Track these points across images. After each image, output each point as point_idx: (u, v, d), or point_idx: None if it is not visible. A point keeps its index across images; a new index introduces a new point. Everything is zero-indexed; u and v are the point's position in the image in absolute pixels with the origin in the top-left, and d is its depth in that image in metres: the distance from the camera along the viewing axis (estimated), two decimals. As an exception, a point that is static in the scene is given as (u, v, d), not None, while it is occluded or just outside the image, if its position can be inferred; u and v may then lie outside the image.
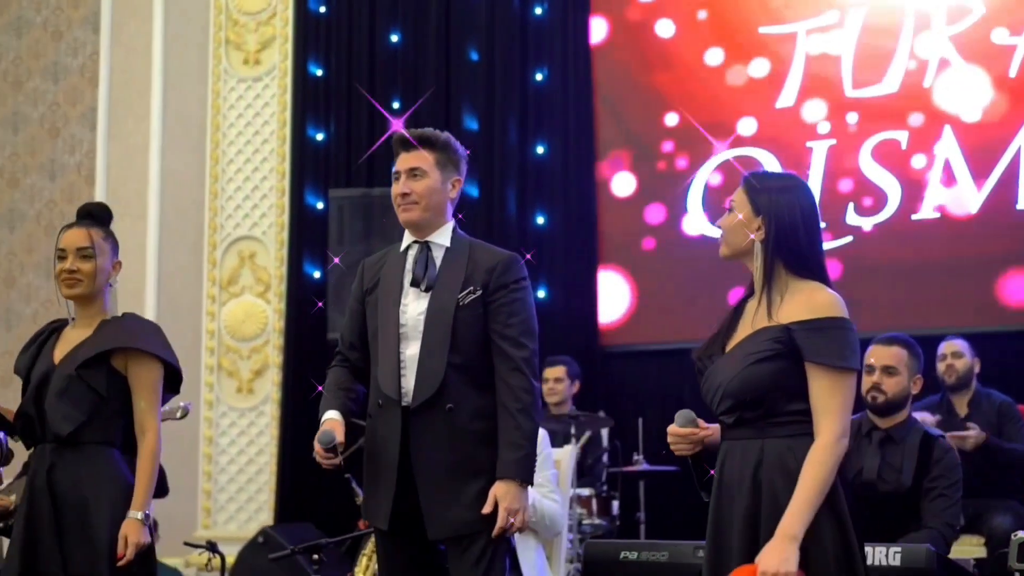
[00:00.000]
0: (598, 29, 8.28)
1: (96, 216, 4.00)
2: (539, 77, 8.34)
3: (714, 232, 7.54)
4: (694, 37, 8.05)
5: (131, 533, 3.78)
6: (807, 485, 2.98)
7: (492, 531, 3.59)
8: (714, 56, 7.95)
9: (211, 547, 5.33)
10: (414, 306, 3.71)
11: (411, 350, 3.69)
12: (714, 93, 7.93)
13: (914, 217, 7.42)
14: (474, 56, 8.46)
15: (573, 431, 6.35)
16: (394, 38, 8.62)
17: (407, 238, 3.85)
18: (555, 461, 5.11)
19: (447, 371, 3.64)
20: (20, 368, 4.00)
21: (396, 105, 8.53)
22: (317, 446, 3.63)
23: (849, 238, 7.49)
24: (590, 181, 8.16)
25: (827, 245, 7.38)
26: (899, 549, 3.81)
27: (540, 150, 8.28)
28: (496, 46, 8.41)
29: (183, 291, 8.75)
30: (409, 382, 3.66)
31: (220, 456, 8.59)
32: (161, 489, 4.13)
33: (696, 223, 7.87)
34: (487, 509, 3.56)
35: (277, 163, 8.72)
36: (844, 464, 3.15)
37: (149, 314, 8.69)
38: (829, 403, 3.05)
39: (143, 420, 3.87)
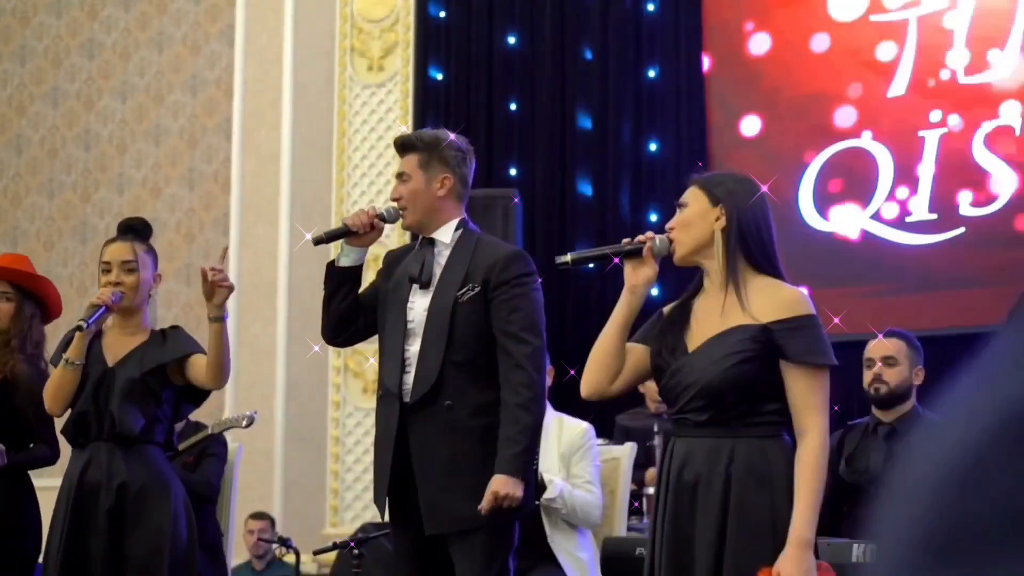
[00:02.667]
0: (709, 23, 8.20)
1: (138, 231, 4.21)
2: (652, 74, 8.31)
3: (831, 227, 7.49)
4: (803, 28, 7.91)
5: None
6: (809, 487, 2.97)
7: (496, 525, 3.62)
8: (822, 44, 7.80)
9: (283, 542, 5.46)
10: (420, 303, 3.77)
11: (414, 347, 3.74)
12: (824, 85, 7.77)
13: (1031, 207, 7.16)
14: (588, 55, 8.47)
15: (656, 428, 6.29)
16: (511, 40, 8.69)
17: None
18: (614, 458, 5.11)
19: (445, 368, 3.68)
20: (57, 362, 4.19)
21: (513, 107, 8.60)
22: None
23: (962, 229, 7.26)
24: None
25: (940, 237, 7.32)
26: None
27: (653, 147, 8.24)
28: (609, 44, 8.41)
29: (313, 297, 8.93)
30: (409, 378, 3.72)
31: (347, 456, 8.78)
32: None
33: (809, 217, 7.73)
34: (483, 505, 3.59)
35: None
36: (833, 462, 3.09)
37: (280, 319, 8.96)
38: (814, 401, 3.04)
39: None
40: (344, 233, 3.77)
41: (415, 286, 3.79)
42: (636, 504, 6.46)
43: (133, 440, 4.05)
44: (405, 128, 8.84)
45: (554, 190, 8.39)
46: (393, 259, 3.93)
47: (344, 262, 3.80)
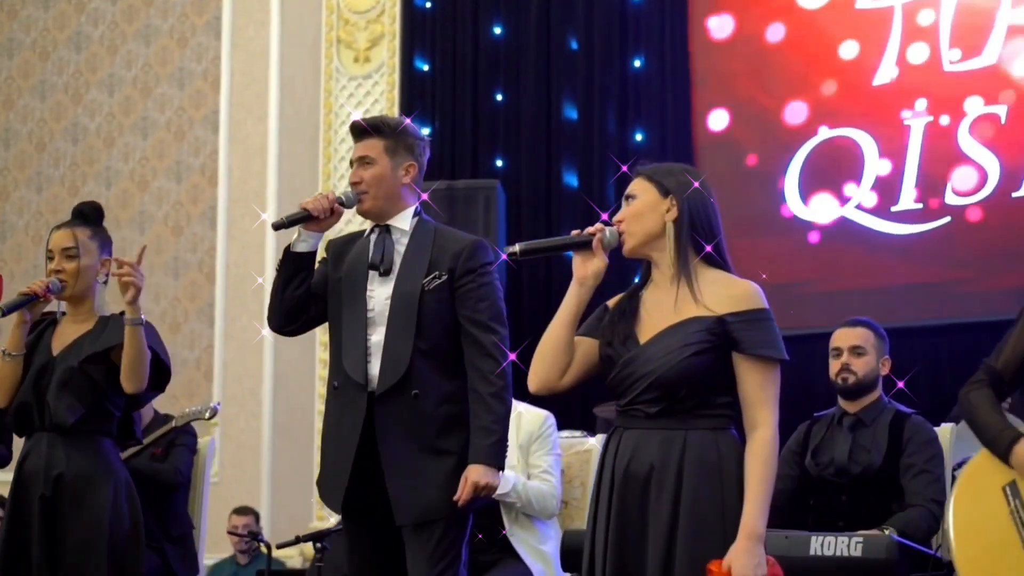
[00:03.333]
0: (696, 15, 8.13)
1: (87, 215, 4.14)
2: (637, 64, 8.24)
3: (811, 215, 7.42)
4: (790, 15, 7.84)
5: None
6: (760, 480, 2.94)
7: (454, 516, 3.59)
8: (801, 31, 7.74)
9: (254, 536, 5.41)
10: (380, 291, 3.71)
11: (377, 336, 3.68)
12: (808, 73, 7.71)
13: (1015, 195, 7.07)
14: (573, 45, 8.41)
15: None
16: (497, 30, 8.63)
17: (369, 223, 3.86)
18: (585, 450, 5.05)
19: (413, 356, 3.63)
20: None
21: (499, 97, 8.55)
22: None
23: (947, 219, 7.19)
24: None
25: (926, 226, 7.26)
26: (860, 539, 3.66)
27: (638, 138, 8.18)
28: (594, 34, 8.35)
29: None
30: (375, 368, 3.66)
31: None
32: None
33: (794, 206, 7.68)
34: (460, 494, 3.55)
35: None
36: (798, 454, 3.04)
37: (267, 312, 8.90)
38: (766, 395, 2.99)
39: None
40: (304, 218, 3.69)
41: (373, 274, 3.72)
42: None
43: (74, 430, 3.99)
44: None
45: (539, 181, 8.33)
46: (340, 247, 3.86)
47: (301, 247, 3.72)
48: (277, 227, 3.72)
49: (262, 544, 5.42)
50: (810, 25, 7.76)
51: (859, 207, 7.44)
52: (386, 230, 3.77)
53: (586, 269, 3.13)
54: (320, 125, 8.99)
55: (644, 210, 3.10)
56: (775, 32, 7.88)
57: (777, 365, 3.03)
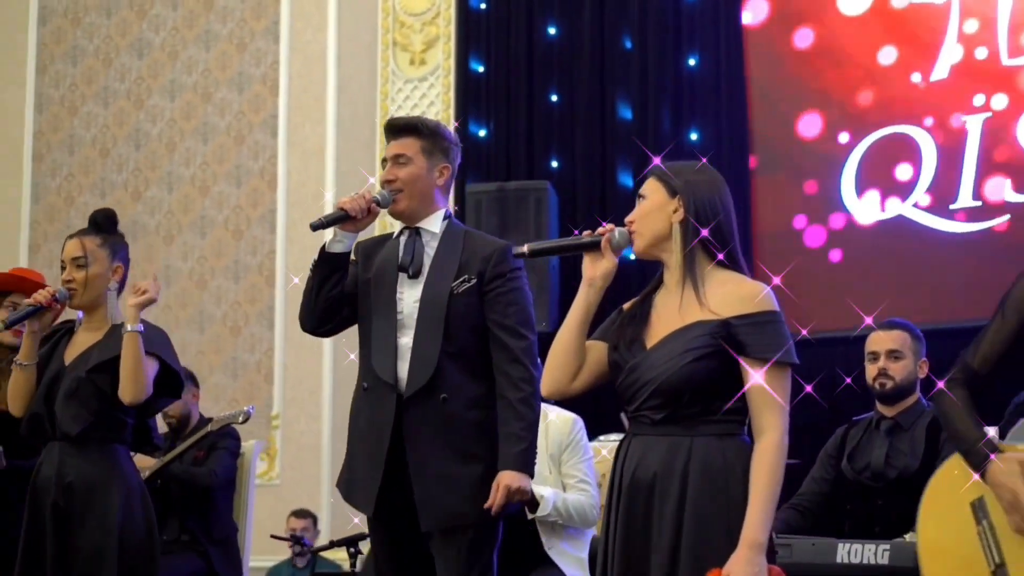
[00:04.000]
0: (750, 12, 8.04)
1: (99, 224, 4.16)
2: (691, 63, 8.17)
3: (867, 212, 7.31)
4: (843, 15, 7.74)
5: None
6: (763, 487, 2.86)
7: (484, 523, 3.55)
8: (862, 28, 7.62)
9: (296, 540, 5.43)
10: (410, 294, 3.68)
11: (405, 338, 3.64)
12: (865, 70, 7.60)
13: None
14: (627, 44, 8.35)
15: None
16: (551, 31, 8.59)
17: (399, 224, 3.82)
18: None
19: (441, 359, 3.59)
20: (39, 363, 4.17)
21: (554, 98, 8.51)
22: None
23: (1007, 217, 7.05)
24: (744, 168, 7.93)
25: (984, 224, 7.11)
26: (887, 547, 3.58)
27: (693, 137, 8.10)
28: (648, 33, 8.28)
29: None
30: (404, 370, 3.62)
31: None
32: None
33: (849, 204, 7.58)
34: (491, 502, 3.51)
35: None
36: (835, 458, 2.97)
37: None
38: (772, 400, 2.91)
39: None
40: (342, 218, 3.64)
41: (402, 276, 3.69)
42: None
43: (85, 439, 4.00)
44: (446, 122, 8.81)
45: (594, 181, 8.28)
46: (369, 248, 3.83)
47: (337, 248, 3.67)
48: (315, 227, 3.65)
49: (305, 547, 5.41)
50: (865, 21, 7.63)
51: (916, 205, 7.32)
52: (416, 232, 3.74)
53: (595, 270, 3.10)
54: (376, 127, 9.00)
55: (652, 211, 3.06)
56: (827, 29, 7.78)
57: (787, 369, 2.94)
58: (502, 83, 8.68)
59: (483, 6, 8.79)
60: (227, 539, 5.61)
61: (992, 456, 2.81)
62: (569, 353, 3.09)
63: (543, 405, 4.09)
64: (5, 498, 4.47)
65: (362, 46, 9.20)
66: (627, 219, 3.13)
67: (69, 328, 4.19)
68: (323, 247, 3.73)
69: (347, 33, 9.23)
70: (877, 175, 7.47)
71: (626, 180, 8.23)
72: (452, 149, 3.83)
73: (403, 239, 3.75)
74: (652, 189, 3.10)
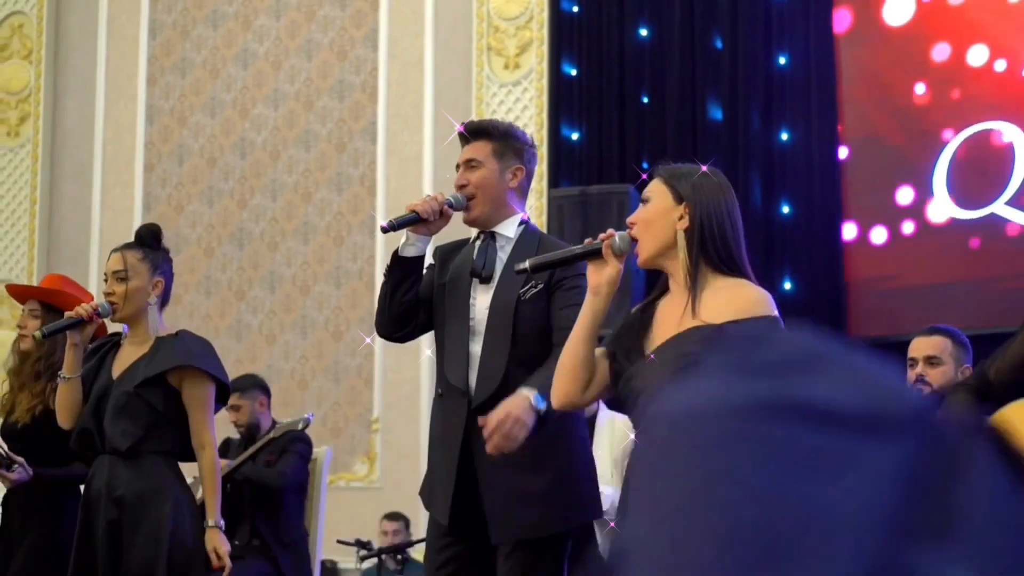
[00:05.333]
0: (841, 14, 7.92)
1: (142, 238, 4.24)
2: (782, 61, 8.06)
3: (959, 212, 7.14)
4: (934, 11, 7.56)
5: (218, 544, 4.02)
6: None
7: (552, 537, 3.49)
8: (957, 20, 7.45)
9: (362, 545, 5.48)
10: (482, 300, 3.65)
11: (477, 345, 3.61)
12: (955, 65, 7.42)
13: None
14: (718, 44, 8.28)
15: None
16: (643, 32, 8.55)
17: (475, 229, 3.81)
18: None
19: (508, 367, 3.54)
20: (84, 378, 4.27)
21: (644, 100, 8.47)
22: None
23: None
24: (834, 167, 7.81)
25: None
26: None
27: (784, 137, 8.00)
28: (739, 32, 8.20)
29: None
30: (474, 377, 3.59)
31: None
32: None
33: (940, 203, 7.41)
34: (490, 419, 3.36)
35: (536, 166, 8.81)
36: None
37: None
38: None
39: (201, 434, 4.09)
40: (414, 220, 3.59)
41: (476, 282, 3.65)
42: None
43: (134, 452, 4.07)
44: (539, 126, 8.82)
45: (685, 183, 8.20)
46: (446, 253, 3.80)
47: (409, 252, 3.62)
48: (386, 230, 3.62)
49: (368, 550, 5.48)
50: (958, 15, 7.45)
51: (1009, 203, 7.13)
52: (491, 237, 3.71)
53: (600, 277, 3.01)
54: (472, 133, 9.05)
55: (655, 217, 3.00)
56: (919, 24, 7.61)
57: None
58: (594, 86, 8.66)
59: (575, 9, 8.79)
60: (296, 543, 5.69)
61: None
62: (578, 364, 3.03)
63: (610, 414, 4.03)
64: (40, 507, 4.59)
65: (458, 52, 9.26)
66: (629, 220, 3.07)
67: (116, 341, 4.28)
68: (395, 251, 3.69)
69: (443, 39, 9.31)
70: (970, 174, 7.29)
71: (716, 181, 8.15)
72: (526, 151, 3.80)
73: (478, 244, 3.72)
74: (658, 192, 3.04)
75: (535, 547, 3.50)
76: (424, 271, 3.75)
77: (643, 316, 3.05)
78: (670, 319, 2.97)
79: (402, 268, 3.65)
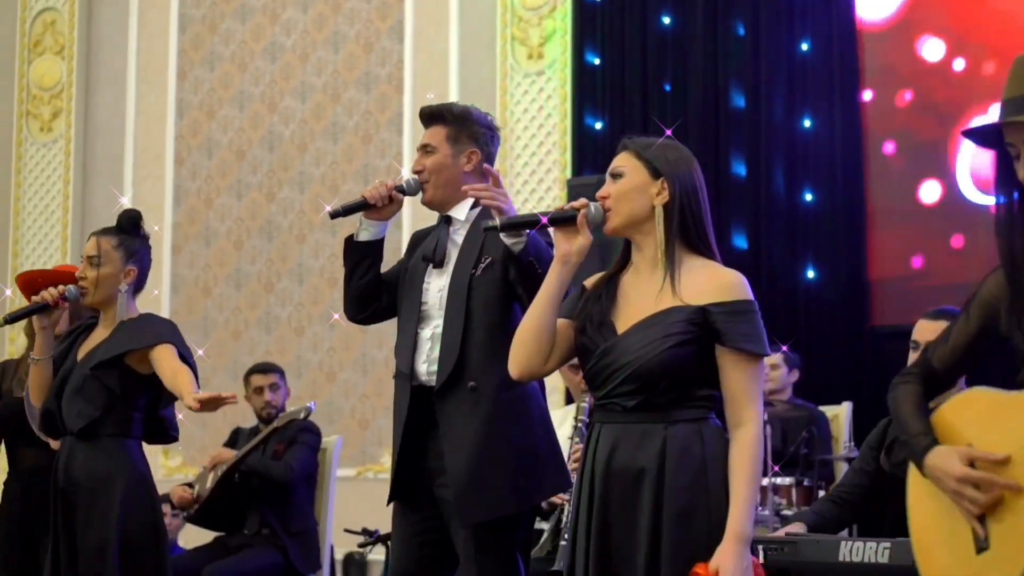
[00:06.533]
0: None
1: (120, 224, 4.25)
2: (804, 47, 7.98)
3: (984, 200, 7.04)
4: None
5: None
6: (747, 480, 2.82)
7: (513, 518, 3.52)
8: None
9: (368, 533, 5.50)
10: (435, 284, 3.67)
11: (427, 330, 3.63)
12: (979, 51, 7.33)
13: None
14: (740, 31, 8.21)
15: (765, 418, 6.03)
16: (665, 20, 8.50)
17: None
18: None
19: (467, 348, 3.55)
20: (56, 359, 4.29)
21: (667, 88, 8.42)
22: None
23: None
24: (858, 155, 7.72)
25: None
26: (888, 545, 3.45)
27: (807, 124, 7.92)
28: (761, 19, 8.13)
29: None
30: (420, 361, 3.61)
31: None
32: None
33: (964, 188, 7.32)
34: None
35: (559, 155, 8.80)
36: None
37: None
38: (751, 390, 2.87)
39: (181, 389, 3.94)
40: (362, 206, 3.67)
41: (429, 266, 3.68)
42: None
43: (91, 433, 4.06)
44: (563, 116, 8.78)
45: (707, 171, 8.08)
46: (418, 239, 3.84)
47: (363, 236, 3.71)
48: (334, 216, 3.69)
49: (373, 538, 5.49)
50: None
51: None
52: (447, 220, 3.74)
53: (570, 245, 2.96)
54: (496, 123, 9.01)
55: (633, 192, 2.94)
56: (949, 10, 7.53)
57: (761, 360, 2.88)
58: (617, 75, 8.62)
59: (598, -2, 8.76)
60: (305, 533, 5.70)
61: (930, 448, 2.68)
62: (543, 334, 2.98)
63: None
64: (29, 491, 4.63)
65: (482, 42, 9.24)
66: (599, 194, 3.01)
67: (90, 325, 4.30)
68: (348, 236, 3.74)
69: (468, 30, 9.29)
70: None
71: (739, 168, 8.09)
72: (483, 133, 3.81)
73: (437, 229, 3.75)
74: (632, 167, 2.97)
75: (491, 526, 3.52)
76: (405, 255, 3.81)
77: (607, 289, 3.01)
78: (643, 295, 2.93)
79: (356, 252, 3.72)
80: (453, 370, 3.53)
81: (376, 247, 3.74)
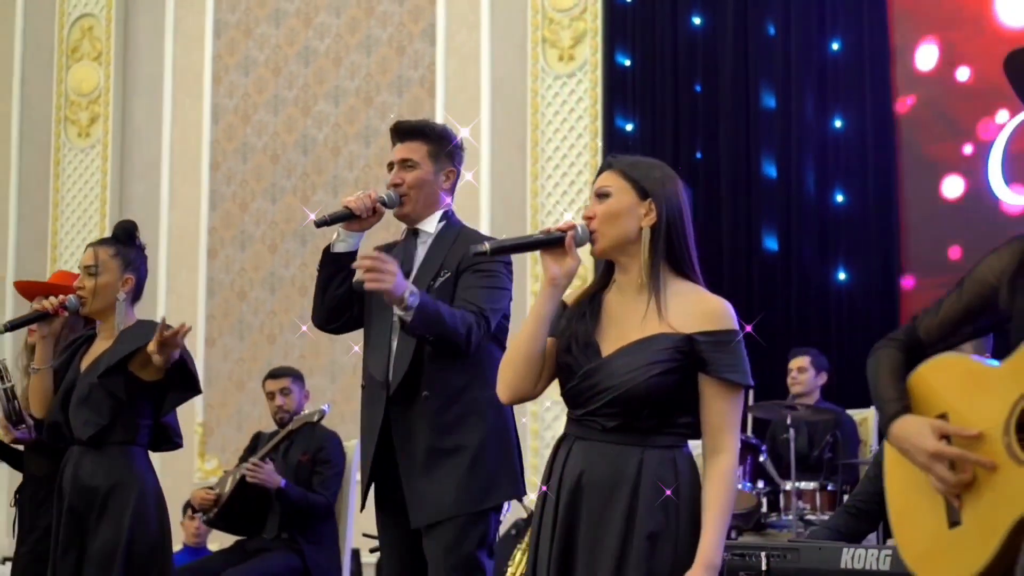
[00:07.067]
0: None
1: (116, 235, 4.27)
2: (835, 47, 7.91)
3: (1017, 200, 6.94)
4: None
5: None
6: (722, 509, 2.79)
7: (470, 515, 3.58)
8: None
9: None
10: None
11: (396, 340, 3.66)
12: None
13: None
14: (771, 30, 8.14)
15: (789, 421, 5.98)
16: (696, 21, 8.44)
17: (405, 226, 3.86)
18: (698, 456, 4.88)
19: (419, 357, 3.59)
20: (57, 373, 4.31)
21: (697, 88, 8.37)
22: None
23: None
24: (890, 154, 7.63)
25: None
26: (889, 552, 3.40)
27: (838, 124, 7.84)
28: (792, 18, 8.06)
29: (518, 292, 8.97)
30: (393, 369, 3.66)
31: (545, 450, 8.74)
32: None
33: (997, 189, 7.21)
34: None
35: (590, 157, 8.77)
36: None
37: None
38: (731, 420, 2.84)
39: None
40: (346, 216, 3.69)
41: None
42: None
43: (100, 442, 4.08)
44: (594, 117, 8.75)
45: (739, 172, 8.10)
46: (384, 251, 3.81)
47: (340, 247, 3.74)
48: (319, 225, 3.70)
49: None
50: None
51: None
52: (414, 233, 3.80)
53: (561, 268, 2.90)
54: (527, 125, 9.01)
55: (620, 212, 2.89)
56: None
57: (742, 390, 2.86)
58: (648, 76, 8.58)
59: (628, -1, 8.71)
60: (325, 539, 5.70)
61: (898, 415, 2.62)
62: (533, 357, 2.92)
63: None
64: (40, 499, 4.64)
65: (513, 45, 9.22)
66: (585, 214, 2.97)
67: (90, 337, 4.31)
68: (326, 247, 3.77)
69: (499, 32, 9.27)
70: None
71: (769, 170, 8.03)
72: (456, 153, 3.91)
73: (406, 241, 3.80)
74: (619, 188, 2.92)
75: (456, 527, 3.57)
76: None
77: (590, 308, 2.97)
78: (629, 317, 2.89)
79: (334, 263, 3.74)
80: (404, 379, 3.59)
81: (351, 258, 3.75)
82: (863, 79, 7.76)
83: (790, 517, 5.80)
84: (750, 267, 7.88)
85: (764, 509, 6.03)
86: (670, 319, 2.83)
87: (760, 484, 6.12)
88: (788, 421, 5.99)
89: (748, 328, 2.90)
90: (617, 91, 8.68)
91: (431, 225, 3.79)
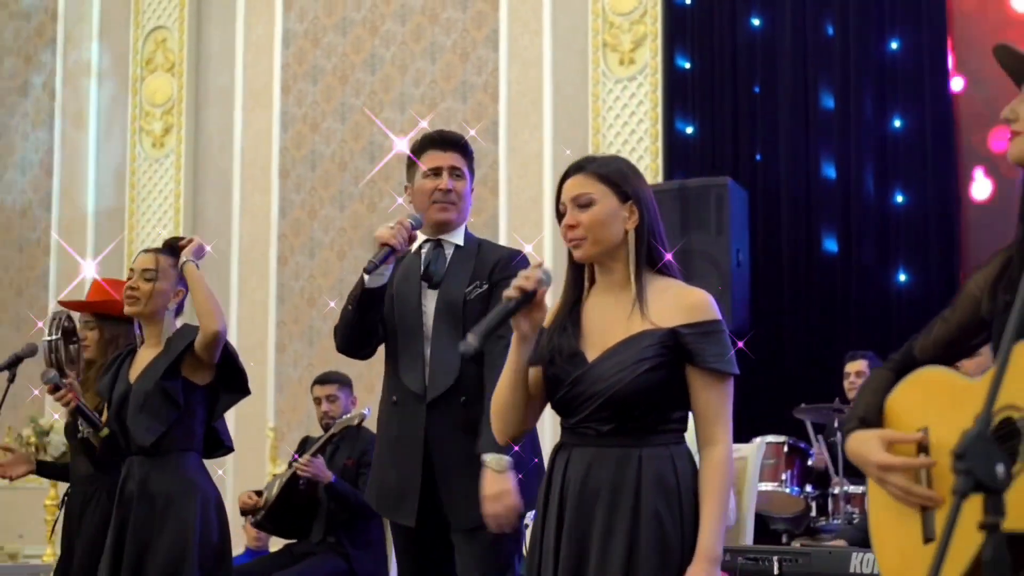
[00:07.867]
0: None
1: (173, 249, 4.34)
2: (894, 46, 7.82)
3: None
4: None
5: None
6: (719, 500, 2.81)
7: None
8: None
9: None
10: (429, 305, 3.76)
11: (429, 348, 3.71)
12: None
13: None
14: (829, 31, 8.08)
15: (836, 424, 5.93)
16: (755, 22, 8.40)
17: (420, 236, 3.87)
18: (740, 457, 4.85)
19: (461, 364, 3.63)
20: (102, 390, 4.38)
21: (756, 90, 8.32)
22: None
23: None
24: (950, 154, 7.53)
25: None
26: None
27: (897, 124, 7.75)
28: (850, 17, 7.98)
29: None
30: (428, 378, 3.70)
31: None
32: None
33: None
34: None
35: (651, 160, 8.74)
36: None
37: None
38: (722, 410, 2.85)
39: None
40: (390, 254, 3.67)
41: (424, 287, 3.77)
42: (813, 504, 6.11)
43: (159, 449, 4.14)
44: (654, 121, 8.73)
45: (799, 173, 8.04)
46: (396, 263, 3.84)
47: (376, 283, 3.72)
48: (370, 271, 3.66)
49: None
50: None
51: None
52: (438, 244, 3.82)
53: (529, 323, 2.85)
54: (589, 129, 9.02)
55: (607, 218, 2.89)
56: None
57: (730, 379, 2.86)
58: (707, 78, 8.55)
59: (688, 1, 8.67)
60: (372, 544, 5.75)
61: (856, 429, 2.58)
62: (517, 403, 2.93)
63: None
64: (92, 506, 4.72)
65: (575, 49, 9.23)
66: (567, 222, 2.93)
67: (131, 350, 4.38)
68: (363, 283, 3.72)
69: (561, 37, 9.29)
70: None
71: (828, 171, 7.96)
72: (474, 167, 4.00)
73: (424, 251, 3.82)
74: (600, 193, 2.91)
75: (488, 533, 3.56)
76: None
77: (570, 318, 2.96)
78: (612, 319, 2.89)
79: (369, 300, 3.74)
80: (451, 386, 3.64)
81: (386, 288, 3.76)
82: (922, 78, 7.67)
83: (839, 521, 5.74)
84: (810, 269, 7.82)
85: (813, 513, 5.98)
86: (652, 316, 2.84)
87: (808, 488, 6.07)
88: (836, 424, 5.94)
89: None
90: (677, 94, 8.66)
91: (459, 237, 3.85)
